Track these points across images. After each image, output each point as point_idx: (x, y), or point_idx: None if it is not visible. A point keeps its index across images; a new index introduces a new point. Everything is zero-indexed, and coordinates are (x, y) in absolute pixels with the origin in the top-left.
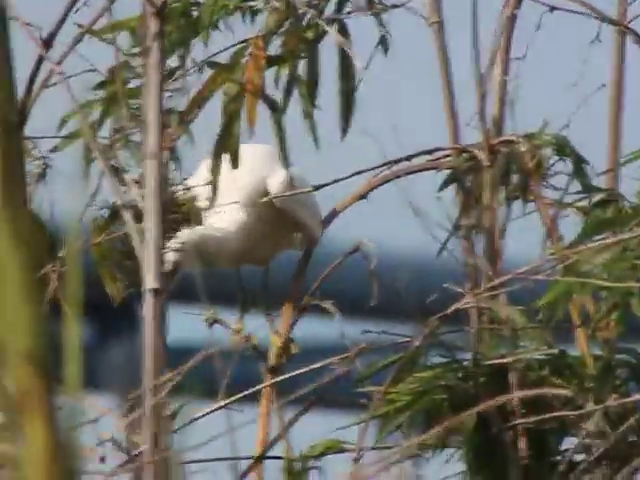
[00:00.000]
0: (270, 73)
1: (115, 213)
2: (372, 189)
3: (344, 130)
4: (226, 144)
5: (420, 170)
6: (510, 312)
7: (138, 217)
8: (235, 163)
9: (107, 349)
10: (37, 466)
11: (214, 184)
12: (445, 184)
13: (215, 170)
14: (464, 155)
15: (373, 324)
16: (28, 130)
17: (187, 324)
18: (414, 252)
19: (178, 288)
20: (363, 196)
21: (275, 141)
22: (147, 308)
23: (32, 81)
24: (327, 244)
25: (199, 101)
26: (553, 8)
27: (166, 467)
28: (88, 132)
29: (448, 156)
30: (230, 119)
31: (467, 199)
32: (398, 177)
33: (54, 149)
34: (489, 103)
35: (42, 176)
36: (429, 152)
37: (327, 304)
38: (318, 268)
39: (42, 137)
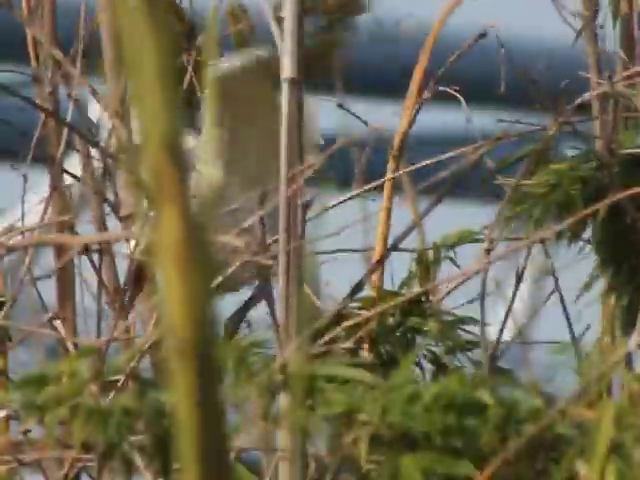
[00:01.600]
0: None
1: None
2: None
3: None
4: None
5: None
6: None
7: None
8: None
9: None
10: (170, 252)
11: None
12: None
13: None
14: None
15: (505, 114)
16: None
17: (323, 114)
18: (548, 40)
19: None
20: None
21: None
22: (284, 97)
23: None
24: (455, 29)
25: None
26: None
27: (299, 258)
28: None
29: None
30: None
31: None
32: None
33: None
34: None
35: None
36: None
37: (453, 91)
38: (445, 54)
39: None
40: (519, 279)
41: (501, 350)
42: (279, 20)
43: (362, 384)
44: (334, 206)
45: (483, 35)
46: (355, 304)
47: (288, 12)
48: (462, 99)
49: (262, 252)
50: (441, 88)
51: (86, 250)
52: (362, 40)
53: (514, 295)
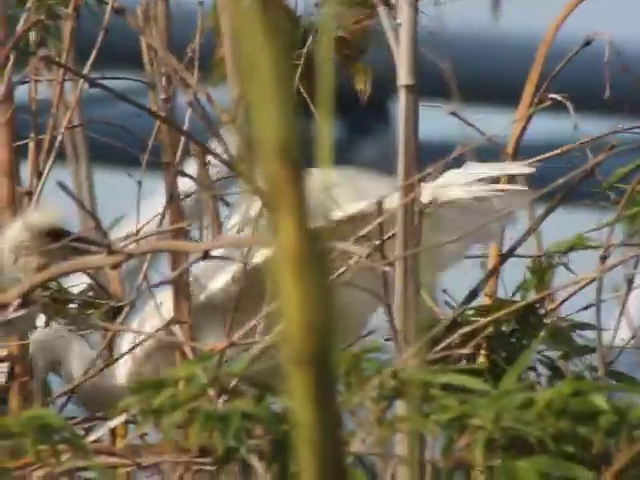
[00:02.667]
0: None
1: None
2: None
3: None
4: None
5: None
6: None
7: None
8: None
9: (358, 146)
10: (288, 258)
11: None
12: None
13: None
14: None
15: (614, 121)
16: None
17: (438, 120)
18: None
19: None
20: None
21: None
22: (401, 105)
23: None
24: (562, 37)
25: None
26: None
27: (416, 264)
28: None
29: None
30: None
31: None
32: None
33: None
34: None
35: None
36: None
37: (562, 98)
38: (553, 62)
39: None
40: (630, 284)
41: (616, 354)
42: (394, 27)
43: (475, 391)
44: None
45: (589, 42)
46: (469, 311)
47: (404, 21)
48: (570, 106)
49: (380, 259)
50: (551, 95)
51: (205, 256)
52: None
53: (627, 300)
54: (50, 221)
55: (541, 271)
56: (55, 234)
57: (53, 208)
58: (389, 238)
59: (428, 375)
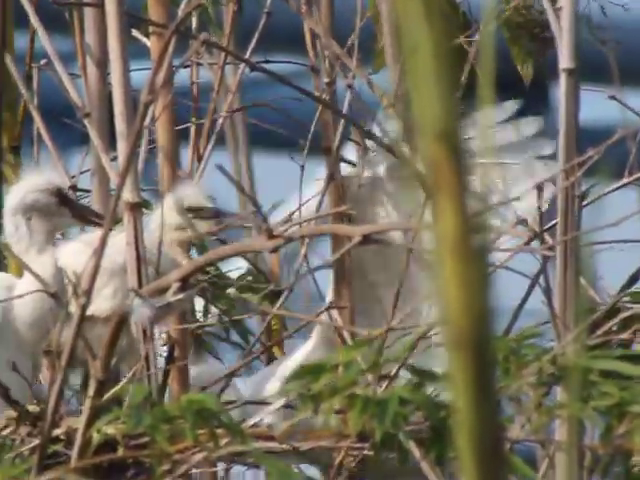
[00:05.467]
0: None
1: None
2: None
3: None
4: None
5: None
6: None
7: None
8: None
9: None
10: (447, 242)
11: None
12: None
13: None
14: None
15: None
16: None
17: (599, 104)
18: None
19: (588, 67)
20: None
21: None
22: (561, 88)
23: None
24: None
25: None
26: None
27: (576, 248)
28: None
29: None
30: None
31: None
32: None
33: None
34: None
35: None
36: None
37: None
38: None
39: None
40: None
41: None
42: (555, 10)
43: (634, 377)
44: (608, 193)
45: None
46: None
47: (565, 5)
48: None
49: (539, 243)
50: None
51: (365, 240)
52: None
53: None
54: (197, 199)
55: None
56: (202, 212)
57: (199, 186)
58: (551, 226)
59: (587, 361)
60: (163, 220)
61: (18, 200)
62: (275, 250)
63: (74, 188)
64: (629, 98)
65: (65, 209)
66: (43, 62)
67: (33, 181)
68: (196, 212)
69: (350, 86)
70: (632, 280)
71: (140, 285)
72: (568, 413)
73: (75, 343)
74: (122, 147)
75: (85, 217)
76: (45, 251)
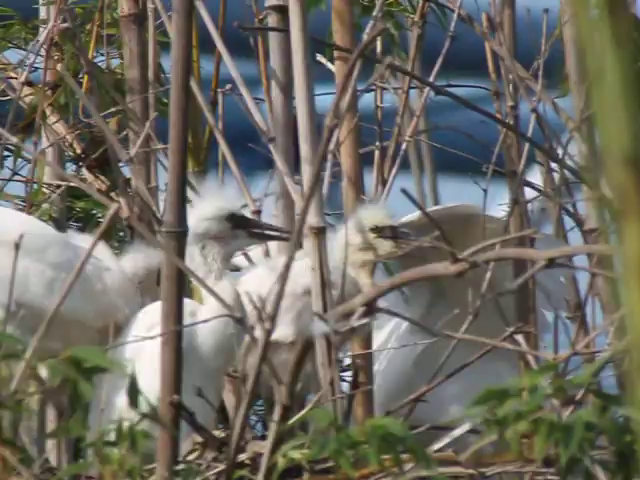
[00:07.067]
0: None
1: None
2: None
3: None
4: None
5: None
6: None
7: None
8: None
9: None
10: (633, 266)
11: None
12: None
13: None
14: None
15: None
16: None
17: None
18: None
19: None
20: None
21: None
22: None
23: None
24: None
25: None
26: None
27: None
28: None
29: None
30: None
31: None
32: None
33: None
34: None
35: None
36: None
37: None
38: None
39: None
40: None
41: None
42: None
43: None
44: None
45: None
46: None
47: None
48: None
49: None
50: None
51: (549, 264)
52: None
53: None
54: (379, 218)
55: None
56: (385, 231)
57: (382, 206)
58: None
59: None
60: (347, 241)
61: (190, 230)
62: (460, 275)
63: (258, 213)
64: None
65: (241, 231)
66: (228, 87)
67: (203, 210)
68: (379, 231)
69: (534, 109)
70: None
71: (325, 310)
72: None
73: (260, 368)
74: (306, 171)
75: (263, 235)
76: (223, 277)
